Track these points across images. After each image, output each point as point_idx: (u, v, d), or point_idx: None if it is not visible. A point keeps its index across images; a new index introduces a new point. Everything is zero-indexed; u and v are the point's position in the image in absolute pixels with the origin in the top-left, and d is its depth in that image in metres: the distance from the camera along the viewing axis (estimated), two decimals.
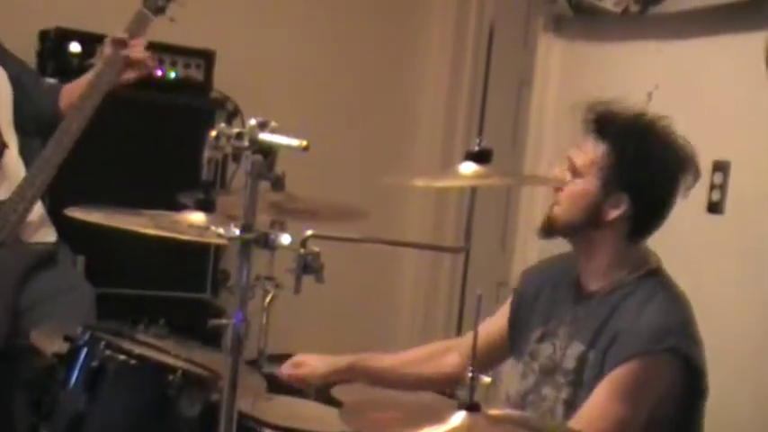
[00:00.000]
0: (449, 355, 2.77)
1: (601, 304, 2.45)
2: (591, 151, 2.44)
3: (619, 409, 2.30)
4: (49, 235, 3.31)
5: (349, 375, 2.73)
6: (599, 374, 2.36)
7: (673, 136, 2.44)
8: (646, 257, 2.49)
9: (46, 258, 3.25)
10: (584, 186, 2.44)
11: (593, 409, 2.31)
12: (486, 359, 2.52)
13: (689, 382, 2.37)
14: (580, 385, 2.41)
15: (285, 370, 2.73)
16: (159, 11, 3.37)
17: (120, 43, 3.32)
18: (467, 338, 2.64)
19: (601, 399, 2.32)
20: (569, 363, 2.45)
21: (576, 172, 2.45)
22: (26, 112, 3.38)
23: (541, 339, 2.56)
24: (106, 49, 3.35)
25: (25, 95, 3.39)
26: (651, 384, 2.32)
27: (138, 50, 3.34)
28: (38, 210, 3.27)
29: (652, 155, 2.41)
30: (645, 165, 2.40)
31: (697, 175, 2.45)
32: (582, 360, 2.42)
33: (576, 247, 2.53)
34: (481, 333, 2.46)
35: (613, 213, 2.42)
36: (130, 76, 3.35)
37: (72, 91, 3.39)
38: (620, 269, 2.46)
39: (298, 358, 2.76)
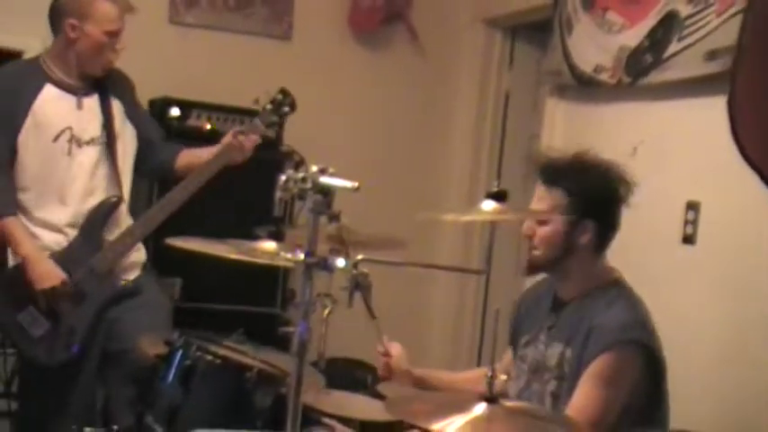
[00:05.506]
0: None
1: (574, 310, 2.46)
2: (548, 198, 2.46)
3: (601, 394, 2.30)
4: (134, 273, 3.29)
5: (416, 382, 2.71)
6: (578, 368, 2.36)
7: (604, 162, 2.47)
8: (609, 271, 2.51)
9: (127, 293, 3.21)
10: (553, 228, 2.45)
11: (580, 399, 2.32)
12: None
13: (652, 367, 2.37)
14: (563, 378, 2.42)
15: (391, 349, 2.70)
16: (270, 126, 3.33)
17: (240, 134, 3.25)
18: (504, 363, 2.68)
19: (585, 389, 2.32)
20: (552, 361, 2.45)
21: (541, 220, 2.46)
22: (150, 164, 3.36)
23: (527, 344, 2.57)
24: (226, 139, 3.26)
25: (153, 150, 3.36)
26: (624, 370, 2.33)
27: (250, 142, 3.25)
28: (135, 254, 3.26)
29: (598, 182, 2.43)
30: (595, 192, 2.42)
31: (630, 185, 2.45)
32: (561, 357, 2.43)
33: (554, 275, 2.55)
34: (506, 358, 2.60)
35: (585, 239, 2.44)
36: (236, 161, 3.26)
37: (187, 156, 3.36)
38: (590, 281, 2.47)
39: (397, 345, 2.73)
